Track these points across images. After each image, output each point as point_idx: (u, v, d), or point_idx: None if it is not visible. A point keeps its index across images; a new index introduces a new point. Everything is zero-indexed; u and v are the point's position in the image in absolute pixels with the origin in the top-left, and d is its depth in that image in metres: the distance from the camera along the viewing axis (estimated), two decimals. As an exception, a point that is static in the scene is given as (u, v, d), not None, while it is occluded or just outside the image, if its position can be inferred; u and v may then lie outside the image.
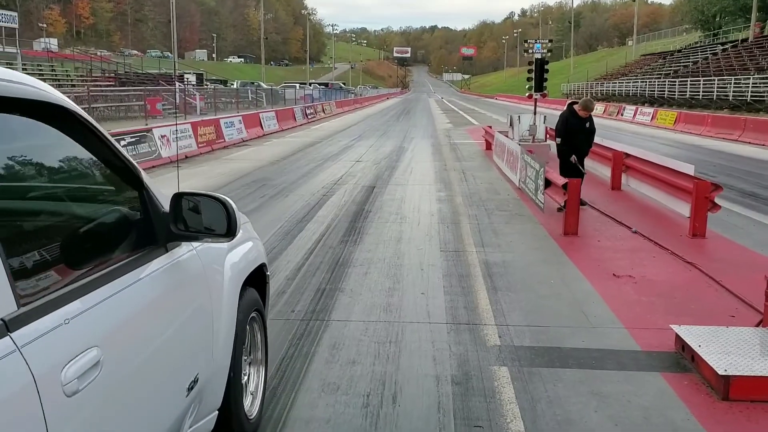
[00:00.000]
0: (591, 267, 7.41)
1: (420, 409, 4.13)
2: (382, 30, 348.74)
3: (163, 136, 17.41)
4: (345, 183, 13.83)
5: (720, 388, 4.24)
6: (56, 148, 2.25)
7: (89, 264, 2.18)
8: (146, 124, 18.72)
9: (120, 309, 2.19)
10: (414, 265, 7.47)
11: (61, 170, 2.36)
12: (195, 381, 2.75)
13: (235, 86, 48.31)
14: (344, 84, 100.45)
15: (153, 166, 16.07)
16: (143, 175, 2.63)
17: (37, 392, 1.64)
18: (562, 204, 9.18)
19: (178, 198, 2.62)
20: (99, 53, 53.01)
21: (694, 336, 4.83)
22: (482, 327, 5.52)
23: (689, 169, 9.55)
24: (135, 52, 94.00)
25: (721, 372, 4.24)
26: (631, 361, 4.84)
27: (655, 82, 49.23)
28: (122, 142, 15.19)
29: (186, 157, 18.44)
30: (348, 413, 4.06)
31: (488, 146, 20.63)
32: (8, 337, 1.63)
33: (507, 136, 17.03)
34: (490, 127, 22.22)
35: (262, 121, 28.22)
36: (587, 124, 10.49)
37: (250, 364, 3.76)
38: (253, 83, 55.77)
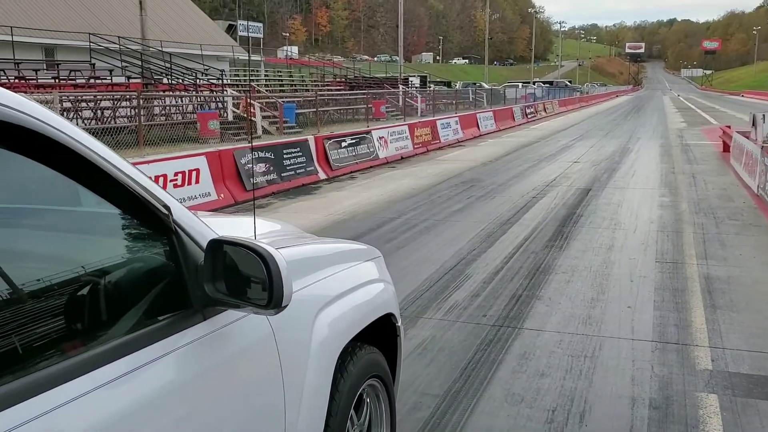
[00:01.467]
0: (838, 289, 6.37)
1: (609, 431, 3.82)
2: (614, 25, 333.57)
3: (381, 138, 18.15)
4: (558, 185, 13.34)
5: None
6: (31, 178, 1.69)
7: (77, 339, 1.63)
8: (367, 127, 19.63)
9: (119, 402, 1.60)
10: (623, 275, 6.96)
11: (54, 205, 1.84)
12: None
13: (456, 87, 49.01)
14: (570, 82, 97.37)
15: (371, 166, 16.91)
16: (176, 210, 1.91)
17: None
18: (807, 214, 8.01)
19: (216, 247, 1.90)
20: (333, 59, 56.87)
21: None
22: (693, 348, 4.98)
23: None
24: (365, 56, 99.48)
25: None
26: None
27: None
28: (343, 143, 16.10)
29: (402, 158, 19.02)
30: (529, 427, 3.87)
31: (725, 148, 18.73)
32: None
33: (749, 137, 15.30)
34: (729, 126, 20.15)
35: (478, 121, 28.28)
36: None
37: None
38: (474, 84, 56.17)
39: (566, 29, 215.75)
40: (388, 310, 3.06)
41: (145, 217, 1.87)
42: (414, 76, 47.25)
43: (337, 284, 2.71)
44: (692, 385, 4.38)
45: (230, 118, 20.07)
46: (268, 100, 23.07)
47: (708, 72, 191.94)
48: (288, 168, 13.67)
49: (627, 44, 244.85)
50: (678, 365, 4.69)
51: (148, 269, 1.92)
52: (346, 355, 2.61)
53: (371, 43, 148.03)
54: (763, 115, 16.46)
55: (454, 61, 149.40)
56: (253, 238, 2.11)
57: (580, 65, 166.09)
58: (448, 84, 58.39)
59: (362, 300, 2.85)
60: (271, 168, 13.11)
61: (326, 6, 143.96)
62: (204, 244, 1.94)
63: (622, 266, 7.32)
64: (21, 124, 1.49)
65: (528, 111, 38.46)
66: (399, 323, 3.20)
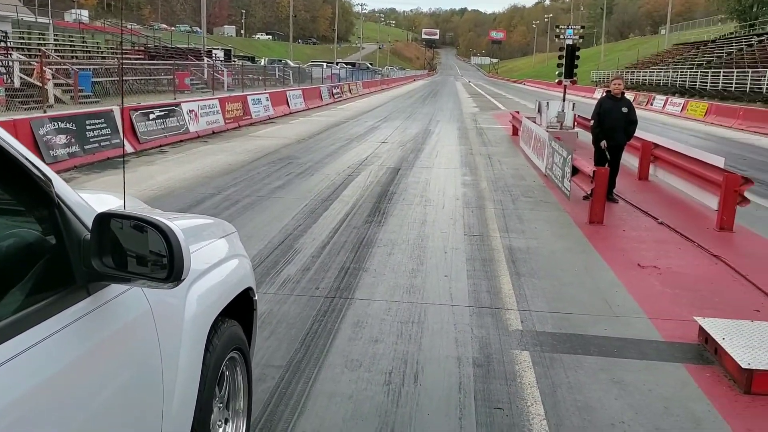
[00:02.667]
0: (615, 256, 7.39)
1: (441, 389, 4.18)
2: (411, 11, 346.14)
3: (191, 111, 17.56)
4: (370, 164, 13.85)
5: (742, 381, 4.23)
6: None
7: None
8: (175, 99, 18.85)
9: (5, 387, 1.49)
10: (438, 247, 7.50)
11: None
12: None
13: (262, 63, 48.39)
14: (371, 64, 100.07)
15: (181, 140, 16.33)
16: (57, 183, 1.81)
17: None
18: (589, 192, 9.12)
19: (102, 221, 1.81)
20: (129, 26, 53.35)
21: (718, 329, 4.82)
22: (505, 311, 5.55)
23: (719, 162, 9.43)
24: (164, 26, 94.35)
25: (744, 365, 4.24)
26: (653, 351, 4.84)
27: (686, 72, 48.33)
28: (152, 116, 15.36)
29: (213, 132, 18.56)
30: (370, 390, 4.13)
31: (515, 132, 20.51)
32: None
33: (535, 123, 16.91)
34: (518, 112, 22.07)
35: (288, 99, 28.29)
36: (624, 110, 10.11)
37: (226, 419, 2.96)
38: (280, 61, 55.83)
39: (367, 11, 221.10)
40: (248, 285, 3.12)
41: (24, 188, 1.73)
42: (218, 48, 45.87)
43: (203, 259, 2.73)
44: (507, 344, 4.90)
45: (17, 84, 18.22)
46: (60, 66, 21.24)
47: (495, 60, 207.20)
48: (91, 140, 12.78)
49: (423, 30, 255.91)
50: (494, 327, 5.21)
51: (27, 245, 1.80)
52: (212, 329, 2.63)
53: (169, 11, 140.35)
54: (547, 103, 18.24)
55: (257, 36, 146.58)
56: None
57: (380, 48, 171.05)
58: (252, 59, 57.47)
59: (225, 275, 2.88)
60: (73, 140, 12.19)
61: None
62: (84, 218, 1.86)
63: (436, 239, 7.87)
64: None
65: (335, 91, 39.09)
66: (256, 297, 3.28)
